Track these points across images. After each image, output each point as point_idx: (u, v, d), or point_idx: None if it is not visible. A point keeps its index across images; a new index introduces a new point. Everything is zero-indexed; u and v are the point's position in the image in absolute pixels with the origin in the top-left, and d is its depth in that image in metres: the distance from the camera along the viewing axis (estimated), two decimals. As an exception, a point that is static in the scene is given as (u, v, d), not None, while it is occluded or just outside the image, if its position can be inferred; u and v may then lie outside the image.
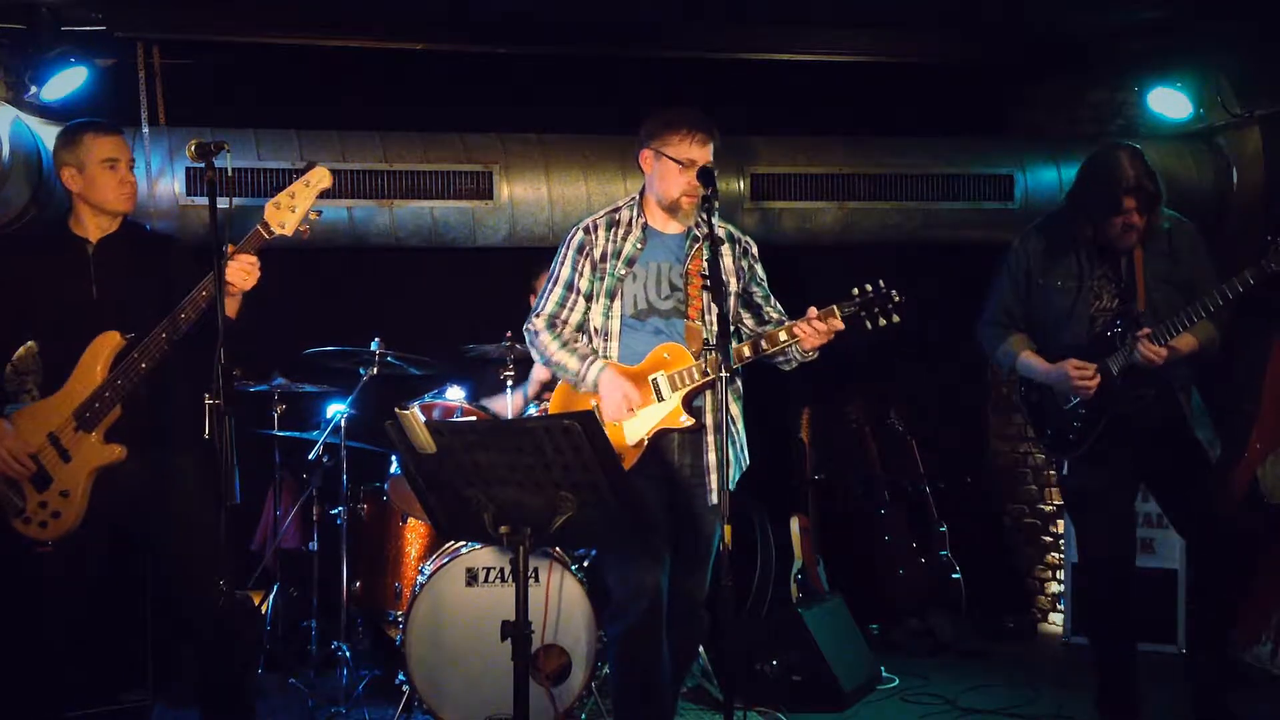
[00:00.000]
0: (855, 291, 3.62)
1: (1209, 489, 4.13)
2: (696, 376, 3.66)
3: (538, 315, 3.82)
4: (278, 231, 3.51)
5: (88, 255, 3.66)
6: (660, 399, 3.68)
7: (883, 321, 3.61)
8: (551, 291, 3.81)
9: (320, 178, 3.54)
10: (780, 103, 6.17)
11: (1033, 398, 4.26)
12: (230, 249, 3.49)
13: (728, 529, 3.38)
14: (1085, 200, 4.06)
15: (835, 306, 3.62)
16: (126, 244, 3.72)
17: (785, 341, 3.65)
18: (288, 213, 3.52)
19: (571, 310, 3.80)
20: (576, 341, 3.79)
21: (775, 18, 5.53)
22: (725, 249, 3.81)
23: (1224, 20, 5.26)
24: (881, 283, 3.61)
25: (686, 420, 3.68)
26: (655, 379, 3.69)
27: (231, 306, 3.51)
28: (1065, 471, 4.21)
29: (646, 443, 3.67)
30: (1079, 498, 4.25)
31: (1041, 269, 4.16)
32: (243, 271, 3.48)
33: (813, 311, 3.63)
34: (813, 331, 3.59)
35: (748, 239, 3.93)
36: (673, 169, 3.70)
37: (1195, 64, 5.67)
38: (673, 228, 3.81)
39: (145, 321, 3.58)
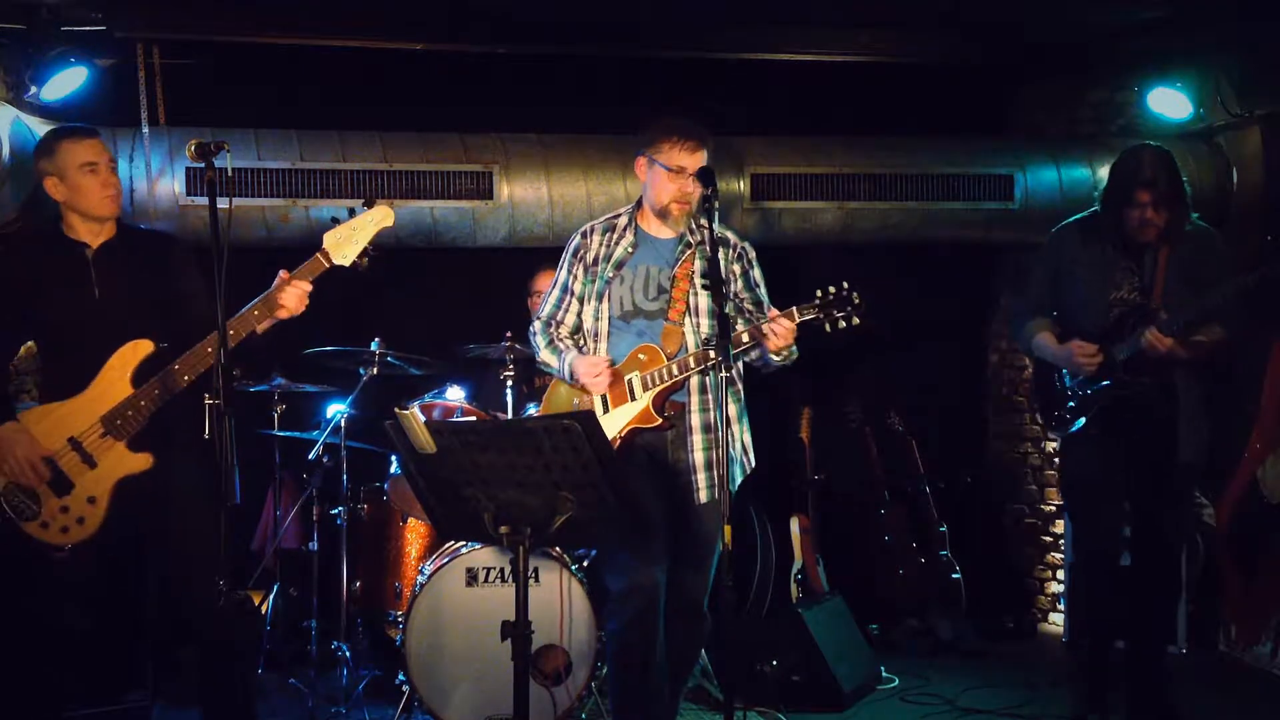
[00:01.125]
0: (818, 293, 3.60)
1: (1167, 500, 4.22)
2: (666, 377, 3.69)
3: (537, 319, 3.95)
4: (338, 261, 3.58)
5: (87, 259, 3.64)
6: (633, 398, 3.72)
7: (842, 325, 3.57)
8: (551, 295, 3.95)
9: (385, 215, 3.64)
10: (780, 103, 6.17)
11: (1040, 377, 4.41)
12: (285, 274, 3.56)
13: (728, 529, 3.39)
14: (1109, 192, 4.24)
15: (794, 309, 3.60)
16: (124, 248, 3.71)
17: (747, 344, 3.66)
18: (348, 245, 3.58)
19: (566, 312, 3.92)
20: (562, 341, 3.89)
21: (775, 18, 5.53)
22: (720, 252, 3.80)
23: (1224, 20, 5.26)
24: (845, 285, 3.58)
25: (657, 420, 3.72)
26: (630, 379, 3.74)
27: (266, 324, 3.55)
28: (1061, 449, 4.36)
29: (619, 441, 3.70)
30: (1072, 480, 4.40)
31: (1071, 256, 4.30)
32: (298, 298, 3.55)
33: (773, 313, 3.64)
34: (770, 333, 3.58)
35: (745, 244, 3.93)
36: (663, 176, 3.74)
37: (1195, 64, 5.67)
38: (665, 232, 3.86)
39: (150, 323, 3.58)
